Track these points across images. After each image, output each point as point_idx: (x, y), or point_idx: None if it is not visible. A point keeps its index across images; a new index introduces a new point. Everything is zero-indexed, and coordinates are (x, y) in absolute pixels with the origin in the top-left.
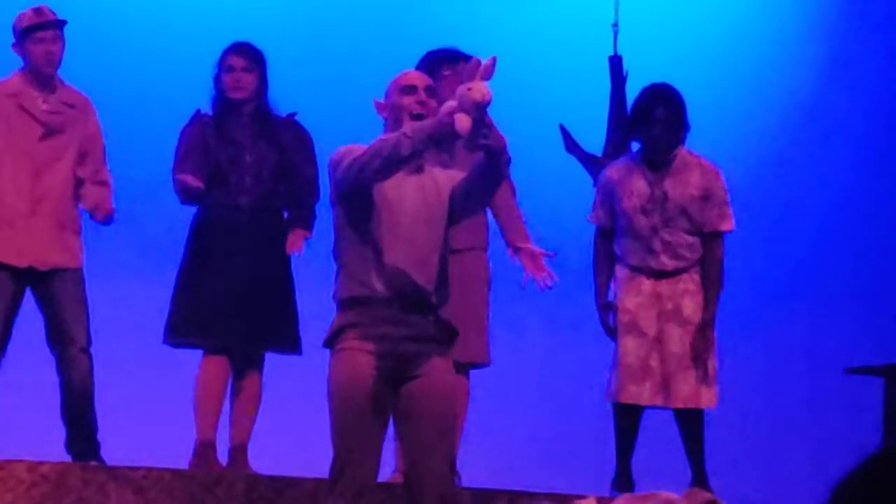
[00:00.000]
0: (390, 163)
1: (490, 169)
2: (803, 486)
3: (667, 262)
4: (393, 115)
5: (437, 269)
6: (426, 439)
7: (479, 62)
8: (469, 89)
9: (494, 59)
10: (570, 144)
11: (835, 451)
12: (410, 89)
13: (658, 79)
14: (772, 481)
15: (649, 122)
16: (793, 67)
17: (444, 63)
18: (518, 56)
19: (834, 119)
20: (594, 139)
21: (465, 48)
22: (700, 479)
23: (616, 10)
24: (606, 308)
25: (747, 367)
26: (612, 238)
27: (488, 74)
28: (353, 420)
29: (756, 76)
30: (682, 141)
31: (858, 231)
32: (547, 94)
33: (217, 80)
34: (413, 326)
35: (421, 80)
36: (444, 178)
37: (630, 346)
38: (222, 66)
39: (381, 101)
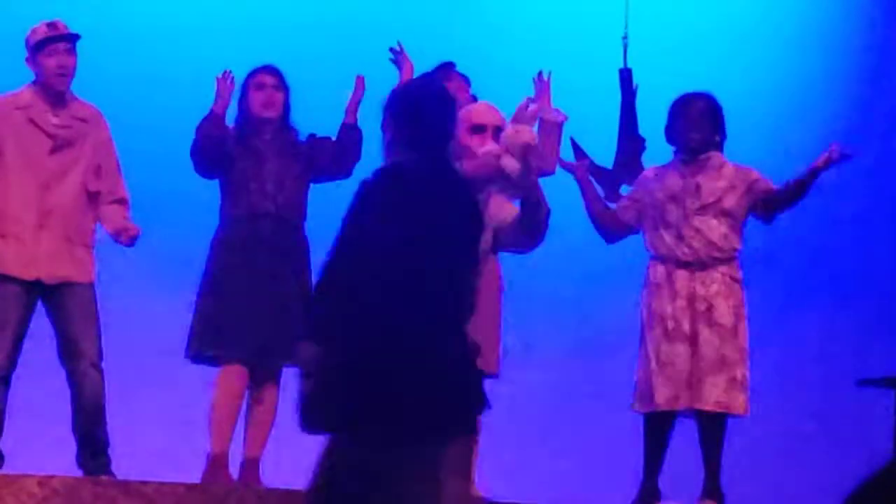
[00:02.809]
0: None
1: (529, 221)
2: (815, 497)
3: (699, 249)
4: (457, 149)
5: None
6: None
7: (527, 104)
8: (517, 132)
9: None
10: (581, 157)
11: (847, 462)
12: (479, 129)
13: (669, 92)
14: (783, 492)
15: (689, 110)
16: (811, 77)
17: (439, 75)
18: (527, 69)
19: (857, 129)
20: (605, 153)
21: (477, 63)
22: (713, 487)
23: (626, 23)
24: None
25: (759, 377)
26: (624, 230)
27: (535, 119)
28: None
29: (768, 87)
30: (718, 147)
31: (874, 241)
32: (558, 106)
33: (244, 98)
34: None
35: (492, 118)
36: (489, 209)
37: (678, 352)
38: (252, 84)
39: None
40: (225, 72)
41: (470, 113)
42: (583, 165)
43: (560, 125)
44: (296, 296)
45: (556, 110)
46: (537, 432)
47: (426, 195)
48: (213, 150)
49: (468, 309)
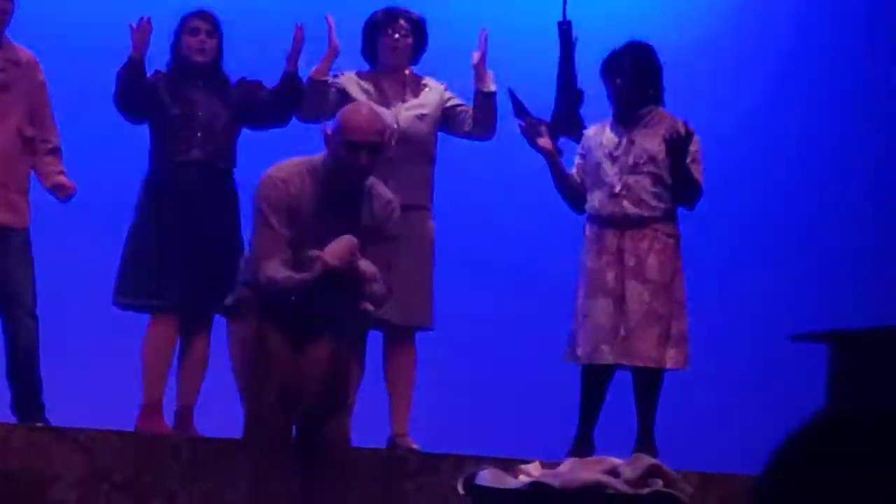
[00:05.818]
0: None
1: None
2: (747, 450)
3: (628, 208)
4: (332, 153)
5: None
6: (321, 405)
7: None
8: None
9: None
10: (519, 110)
11: (780, 415)
12: (353, 146)
13: (609, 44)
14: (717, 445)
15: (614, 68)
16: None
17: (381, 27)
18: (470, 22)
19: (794, 83)
20: (544, 105)
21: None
22: (647, 441)
23: None
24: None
25: (695, 331)
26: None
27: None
28: (265, 372)
29: (707, 40)
30: (656, 101)
31: (809, 196)
32: (495, 58)
33: (177, 43)
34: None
35: (366, 137)
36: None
37: (600, 306)
38: (184, 29)
39: (329, 131)
40: (140, 19)
41: (352, 126)
42: (551, 147)
43: (491, 95)
44: (225, 243)
45: (488, 78)
46: (472, 384)
47: None
48: (133, 96)
49: None
